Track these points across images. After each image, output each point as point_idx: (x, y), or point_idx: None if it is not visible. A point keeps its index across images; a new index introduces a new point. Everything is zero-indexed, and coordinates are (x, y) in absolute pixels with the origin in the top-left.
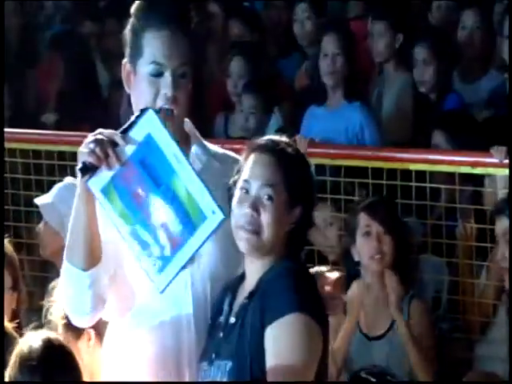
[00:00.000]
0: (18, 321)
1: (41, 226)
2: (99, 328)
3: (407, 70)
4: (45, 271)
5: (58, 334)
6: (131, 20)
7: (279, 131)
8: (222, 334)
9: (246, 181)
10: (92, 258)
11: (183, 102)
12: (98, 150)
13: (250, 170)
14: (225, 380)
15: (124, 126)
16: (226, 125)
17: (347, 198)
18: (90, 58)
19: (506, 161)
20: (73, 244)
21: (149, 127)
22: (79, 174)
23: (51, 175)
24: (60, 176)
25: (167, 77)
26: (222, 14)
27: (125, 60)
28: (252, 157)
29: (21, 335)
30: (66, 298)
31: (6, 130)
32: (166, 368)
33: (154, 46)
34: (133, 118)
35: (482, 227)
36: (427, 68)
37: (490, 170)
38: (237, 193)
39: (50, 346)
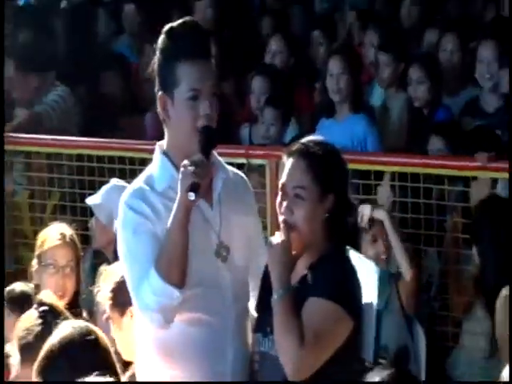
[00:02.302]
0: (68, 301)
1: (92, 221)
2: None
3: (404, 90)
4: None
5: (106, 313)
6: (158, 56)
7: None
8: None
9: (283, 184)
10: (185, 275)
11: (216, 117)
12: (199, 170)
13: (285, 174)
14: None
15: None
16: (250, 134)
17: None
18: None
19: (491, 164)
20: (172, 261)
21: None
22: (192, 195)
23: (102, 176)
24: (109, 177)
25: (204, 99)
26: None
27: (160, 93)
28: (287, 162)
29: (73, 313)
30: (155, 312)
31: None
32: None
33: (189, 75)
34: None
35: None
36: (420, 86)
37: (476, 173)
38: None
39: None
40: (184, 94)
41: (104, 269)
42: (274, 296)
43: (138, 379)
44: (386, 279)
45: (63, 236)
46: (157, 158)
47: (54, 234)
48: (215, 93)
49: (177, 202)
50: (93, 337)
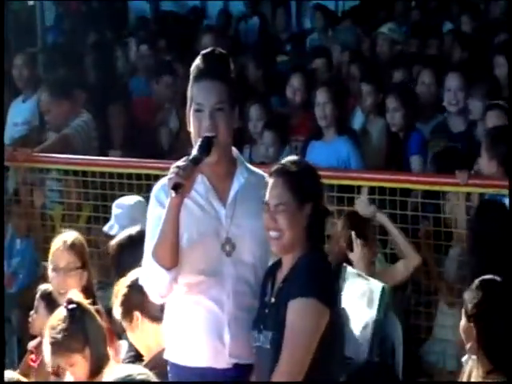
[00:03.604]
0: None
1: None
2: (146, 308)
3: (382, 116)
4: None
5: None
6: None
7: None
8: (267, 311)
9: (266, 203)
10: (174, 260)
11: (223, 129)
12: (182, 172)
13: (268, 192)
14: (269, 347)
15: (193, 155)
16: (251, 153)
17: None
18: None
19: (469, 181)
20: (161, 247)
21: None
22: (173, 192)
23: (122, 190)
24: (128, 191)
25: (205, 112)
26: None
27: (187, 106)
28: (269, 181)
29: (96, 309)
30: (149, 285)
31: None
32: (209, 331)
33: (196, 92)
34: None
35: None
36: (396, 113)
37: (447, 188)
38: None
39: None
40: (193, 107)
41: (116, 284)
42: None
43: (166, 351)
44: (386, 293)
45: (64, 242)
46: None
47: (57, 241)
48: (220, 108)
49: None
50: None
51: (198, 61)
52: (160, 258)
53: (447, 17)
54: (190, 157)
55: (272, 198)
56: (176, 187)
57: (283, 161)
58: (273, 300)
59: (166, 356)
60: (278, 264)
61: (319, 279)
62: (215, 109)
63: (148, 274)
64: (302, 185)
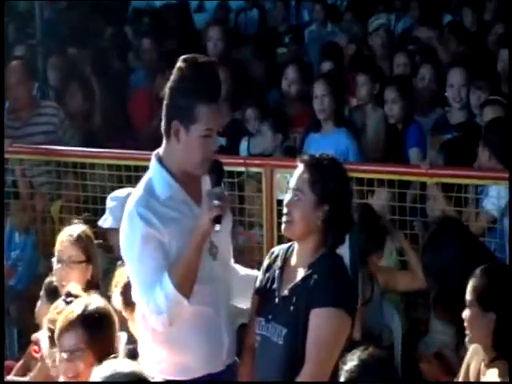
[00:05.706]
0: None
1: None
2: None
3: (381, 108)
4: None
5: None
6: (177, 84)
7: (287, 149)
8: (276, 301)
9: (289, 188)
10: (193, 288)
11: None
12: (222, 203)
13: (293, 177)
14: (281, 343)
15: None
16: (249, 146)
17: None
18: None
19: (468, 172)
20: (187, 276)
21: None
22: (217, 226)
23: (120, 183)
24: (126, 183)
25: (215, 137)
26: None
27: (175, 122)
28: (298, 168)
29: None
30: (166, 315)
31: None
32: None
33: (206, 117)
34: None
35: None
36: (395, 105)
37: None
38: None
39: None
40: (200, 132)
41: (115, 274)
42: None
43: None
44: None
45: (69, 235)
46: (153, 166)
47: (64, 233)
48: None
49: (198, 228)
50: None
51: (202, 75)
52: (185, 287)
53: (447, 9)
54: (216, 183)
55: (294, 183)
56: (219, 220)
57: (317, 153)
58: (285, 293)
59: (149, 373)
60: (287, 249)
61: (345, 289)
62: (218, 131)
63: (164, 304)
64: (325, 183)
